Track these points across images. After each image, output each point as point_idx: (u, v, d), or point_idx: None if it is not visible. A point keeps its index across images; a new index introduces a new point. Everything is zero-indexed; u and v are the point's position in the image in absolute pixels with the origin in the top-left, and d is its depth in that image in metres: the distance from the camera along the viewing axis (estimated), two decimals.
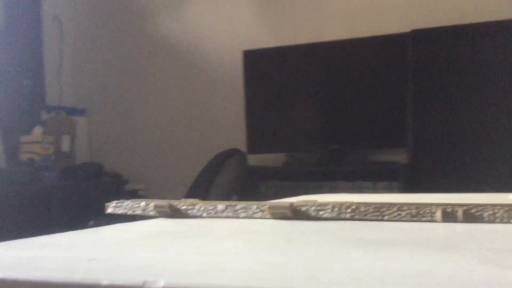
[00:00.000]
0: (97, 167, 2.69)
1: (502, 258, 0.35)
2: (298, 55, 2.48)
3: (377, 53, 2.35)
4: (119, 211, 0.70)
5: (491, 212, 0.51)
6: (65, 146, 2.71)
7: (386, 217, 0.55)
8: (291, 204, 0.59)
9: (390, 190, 2.33)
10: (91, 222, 1.86)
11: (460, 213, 0.51)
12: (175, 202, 0.67)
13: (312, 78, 2.46)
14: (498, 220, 0.50)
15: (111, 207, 0.71)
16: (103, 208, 0.70)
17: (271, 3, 2.64)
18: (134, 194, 2.80)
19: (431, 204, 0.54)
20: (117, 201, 0.71)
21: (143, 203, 0.68)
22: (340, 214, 0.57)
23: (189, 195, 2.42)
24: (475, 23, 2.14)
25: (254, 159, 2.52)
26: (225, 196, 2.41)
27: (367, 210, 0.56)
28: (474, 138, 2.12)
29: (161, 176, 2.83)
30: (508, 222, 0.50)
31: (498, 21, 2.11)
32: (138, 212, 0.68)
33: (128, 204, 0.69)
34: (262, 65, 2.56)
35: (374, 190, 2.36)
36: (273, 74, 2.54)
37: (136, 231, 0.54)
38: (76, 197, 2.51)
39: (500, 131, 2.07)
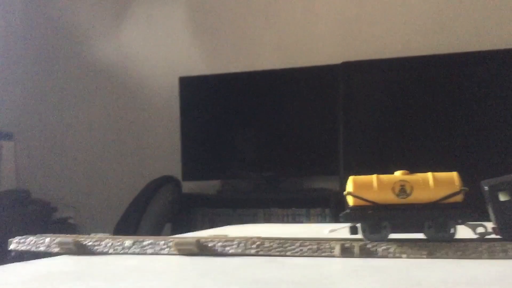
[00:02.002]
0: (23, 194, 2.57)
1: None
2: (233, 83, 2.51)
3: (309, 83, 2.42)
4: (22, 247, 0.67)
5: (384, 247, 0.53)
6: None
7: (289, 253, 0.56)
8: (198, 240, 0.59)
9: (322, 217, 2.37)
10: (12, 254, 1.76)
11: (356, 249, 0.53)
12: (81, 238, 0.65)
13: (247, 106, 2.49)
14: (391, 255, 0.53)
15: (14, 243, 0.68)
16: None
17: (207, 30, 2.67)
18: (63, 223, 2.69)
19: (331, 240, 0.56)
20: (20, 237, 0.68)
21: (47, 239, 0.65)
22: (246, 250, 0.58)
23: (121, 223, 2.36)
24: (402, 57, 2.26)
25: (188, 186, 2.49)
26: (158, 224, 2.36)
27: (271, 246, 0.57)
28: (402, 166, 2.21)
29: (92, 204, 2.74)
30: (400, 257, 0.52)
31: (424, 56, 2.24)
32: (42, 249, 0.65)
33: (32, 240, 0.67)
34: (197, 92, 2.56)
35: (308, 216, 2.40)
36: (209, 101, 2.54)
37: (29, 272, 0.52)
38: None
39: (431, 160, 2.17)
